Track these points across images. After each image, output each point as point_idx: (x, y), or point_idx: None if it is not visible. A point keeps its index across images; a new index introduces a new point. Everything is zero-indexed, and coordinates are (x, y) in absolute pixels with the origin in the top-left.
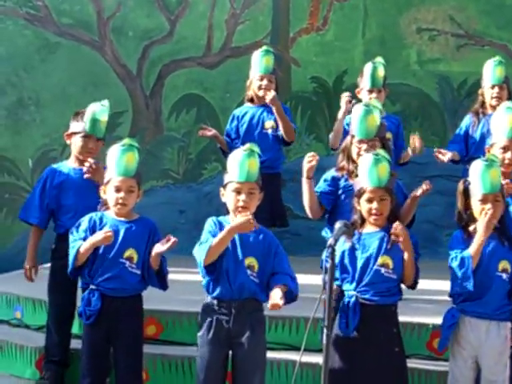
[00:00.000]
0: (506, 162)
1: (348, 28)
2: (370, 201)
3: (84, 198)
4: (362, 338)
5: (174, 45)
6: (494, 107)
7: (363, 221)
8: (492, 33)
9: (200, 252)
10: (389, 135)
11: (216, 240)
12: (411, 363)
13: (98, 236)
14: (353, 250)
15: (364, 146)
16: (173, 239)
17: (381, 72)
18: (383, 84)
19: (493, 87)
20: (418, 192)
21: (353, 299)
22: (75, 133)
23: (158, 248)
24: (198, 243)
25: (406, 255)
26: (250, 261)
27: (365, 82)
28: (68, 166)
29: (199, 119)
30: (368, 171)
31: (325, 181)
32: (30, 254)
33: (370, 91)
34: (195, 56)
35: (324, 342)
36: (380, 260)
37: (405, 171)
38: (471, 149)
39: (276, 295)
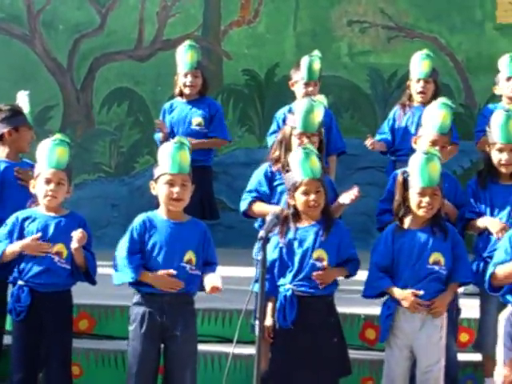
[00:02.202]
0: None
1: (279, 21)
2: (306, 193)
3: (22, 194)
4: (299, 330)
5: (104, 38)
6: (420, 101)
7: (297, 215)
8: (422, 25)
9: (122, 272)
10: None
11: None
12: None
13: (29, 245)
14: (290, 245)
15: (305, 140)
16: (74, 232)
17: (317, 65)
18: (319, 77)
19: (418, 81)
20: (347, 201)
21: (289, 293)
22: (17, 128)
23: (72, 245)
24: (121, 254)
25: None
26: (189, 255)
27: (301, 75)
28: (4, 160)
29: (131, 112)
30: (301, 165)
31: (266, 177)
32: None
33: (307, 84)
34: (126, 49)
35: (256, 333)
36: (315, 254)
37: (337, 163)
38: (396, 140)
39: (214, 278)
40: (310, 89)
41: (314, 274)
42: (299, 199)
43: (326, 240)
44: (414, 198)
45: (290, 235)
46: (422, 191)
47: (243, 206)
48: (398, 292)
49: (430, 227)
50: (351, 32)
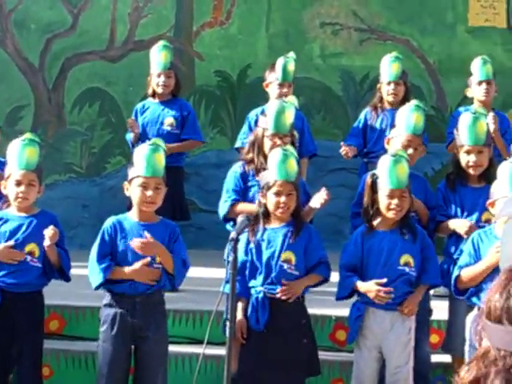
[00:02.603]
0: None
1: (252, 22)
2: (278, 194)
3: None
4: (270, 331)
5: (76, 38)
6: (391, 103)
7: (267, 215)
8: (394, 28)
9: (94, 275)
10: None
11: (115, 275)
12: None
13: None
14: (259, 246)
15: (278, 141)
16: (46, 230)
17: (291, 67)
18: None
19: (389, 84)
20: (317, 205)
21: (261, 295)
22: None
23: (45, 243)
24: (92, 257)
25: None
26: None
27: (276, 76)
28: None
29: (102, 113)
30: (277, 165)
31: (241, 176)
32: None
33: (281, 85)
34: (98, 49)
35: (227, 334)
36: (283, 256)
37: (309, 165)
38: (369, 143)
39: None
40: (285, 90)
41: (279, 290)
42: (270, 199)
43: (295, 242)
44: (383, 201)
45: (259, 235)
46: (390, 193)
47: (223, 209)
48: (362, 285)
49: (399, 229)
50: (323, 34)
